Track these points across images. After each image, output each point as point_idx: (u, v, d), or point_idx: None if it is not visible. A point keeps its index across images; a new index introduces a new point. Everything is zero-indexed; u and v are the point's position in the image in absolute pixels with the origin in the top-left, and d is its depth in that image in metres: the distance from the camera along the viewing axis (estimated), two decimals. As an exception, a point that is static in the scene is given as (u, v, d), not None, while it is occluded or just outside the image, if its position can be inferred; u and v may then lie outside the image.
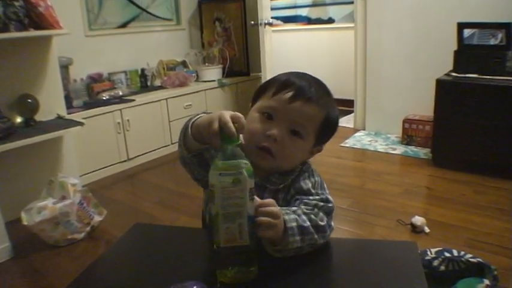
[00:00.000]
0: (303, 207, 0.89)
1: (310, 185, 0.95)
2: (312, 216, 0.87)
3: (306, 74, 1.00)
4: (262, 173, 0.95)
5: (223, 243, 0.75)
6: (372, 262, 0.88)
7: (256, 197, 0.76)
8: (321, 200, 0.92)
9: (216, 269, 0.78)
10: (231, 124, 0.75)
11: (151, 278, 0.84)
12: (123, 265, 0.92)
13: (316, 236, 0.85)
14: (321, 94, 0.96)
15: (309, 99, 0.93)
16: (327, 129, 0.98)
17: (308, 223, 0.85)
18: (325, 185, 0.98)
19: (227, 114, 0.76)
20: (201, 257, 0.94)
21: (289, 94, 0.92)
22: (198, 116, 0.86)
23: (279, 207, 0.82)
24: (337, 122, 1.00)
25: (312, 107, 0.93)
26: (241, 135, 0.78)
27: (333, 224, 0.91)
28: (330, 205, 0.92)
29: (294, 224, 0.82)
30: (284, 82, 0.95)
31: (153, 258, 0.89)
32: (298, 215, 0.85)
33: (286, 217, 0.82)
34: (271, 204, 0.80)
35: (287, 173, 0.97)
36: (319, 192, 0.95)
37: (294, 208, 0.88)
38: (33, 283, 2.09)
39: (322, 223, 0.87)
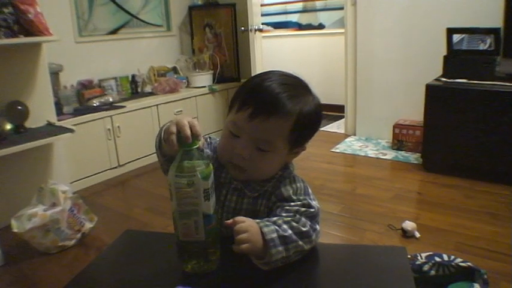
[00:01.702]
0: (284, 214, 0.88)
1: (291, 191, 0.93)
2: (293, 223, 0.85)
3: (273, 78, 0.93)
4: (241, 179, 0.97)
5: (181, 237, 0.82)
6: (361, 267, 0.88)
7: (234, 219, 0.81)
8: (303, 206, 0.90)
9: (179, 260, 0.85)
10: (186, 128, 0.80)
11: (142, 284, 0.84)
12: (114, 272, 0.91)
13: (301, 243, 0.84)
14: (289, 97, 0.90)
15: (269, 113, 0.89)
16: (303, 129, 0.94)
17: (290, 231, 0.83)
18: (309, 190, 0.96)
19: (185, 119, 0.82)
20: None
21: (248, 111, 0.89)
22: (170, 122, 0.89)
23: (258, 221, 0.83)
24: (315, 115, 0.96)
25: (274, 120, 0.89)
26: (202, 139, 0.85)
27: (318, 227, 0.90)
28: (312, 210, 0.90)
29: (274, 235, 0.81)
30: (245, 97, 0.92)
31: (144, 265, 0.89)
32: (279, 226, 0.83)
33: (266, 229, 0.81)
34: (238, 222, 0.80)
35: (265, 180, 0.97)
36: (301, 198, 0.93)
37: (275, 219, 0.86)
38: (23, 291, 2.07)
39: (305, 228, 0.86)
